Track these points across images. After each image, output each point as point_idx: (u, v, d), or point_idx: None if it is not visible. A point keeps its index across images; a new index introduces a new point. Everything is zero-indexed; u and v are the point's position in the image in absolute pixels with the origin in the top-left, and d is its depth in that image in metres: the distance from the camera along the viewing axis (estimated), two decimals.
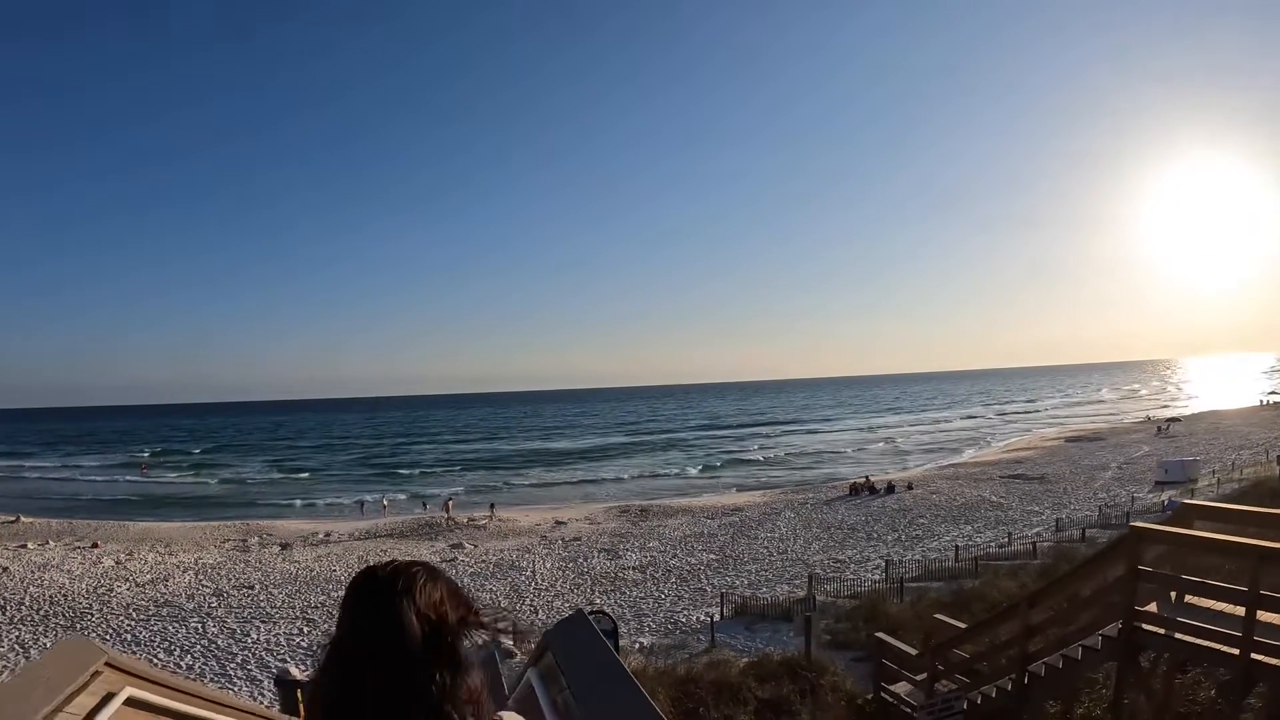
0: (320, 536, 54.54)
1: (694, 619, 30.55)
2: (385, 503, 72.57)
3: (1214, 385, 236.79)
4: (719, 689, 17.62)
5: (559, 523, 57.33)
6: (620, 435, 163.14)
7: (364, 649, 1.74)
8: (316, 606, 35.00)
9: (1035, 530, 44.26)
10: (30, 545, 51.46)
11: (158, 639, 30.94)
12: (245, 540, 53.69)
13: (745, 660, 21.05)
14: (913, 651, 15.12)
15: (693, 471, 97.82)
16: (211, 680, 25.88)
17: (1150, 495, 52.20)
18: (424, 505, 71.38)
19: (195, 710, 5.27)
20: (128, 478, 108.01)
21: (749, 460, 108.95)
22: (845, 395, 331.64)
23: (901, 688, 15.07)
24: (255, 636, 30.93)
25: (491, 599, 35.28)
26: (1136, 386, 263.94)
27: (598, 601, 34.44)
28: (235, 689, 24.96)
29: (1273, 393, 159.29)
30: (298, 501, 79.96)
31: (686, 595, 35.12)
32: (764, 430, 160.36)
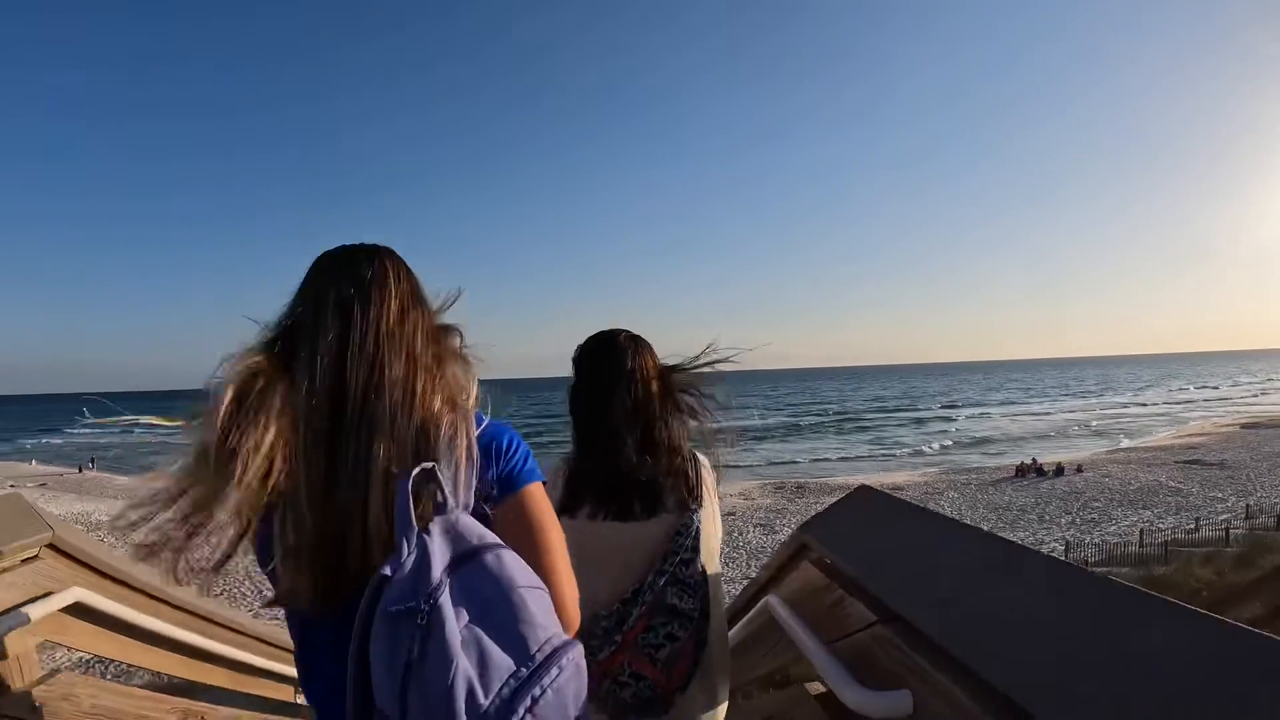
0: None
1: None
2: None
3: None
4: None
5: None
6: (779, 415, 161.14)
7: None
8: None
9: (1223, 517, 41.29)
10: None
11: None
12: None
13: None
14: None
15: (847, 450, 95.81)
16: None
17: None
18: None
19: (172, 631, 4.15)
20: None
21: (905, 440, 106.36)
22: (999, 379, 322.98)
23: None
24: None
25: None
26: None
27: (753, 575, 33.08)
28: None
29: None
30: None
31: None
32: (918, 411, 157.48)
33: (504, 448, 2.00)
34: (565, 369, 3.12)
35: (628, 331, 3.13)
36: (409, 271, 2.09)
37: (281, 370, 1.85)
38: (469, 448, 1.85)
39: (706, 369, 3.25)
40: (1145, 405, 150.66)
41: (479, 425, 1.96)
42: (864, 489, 4.21)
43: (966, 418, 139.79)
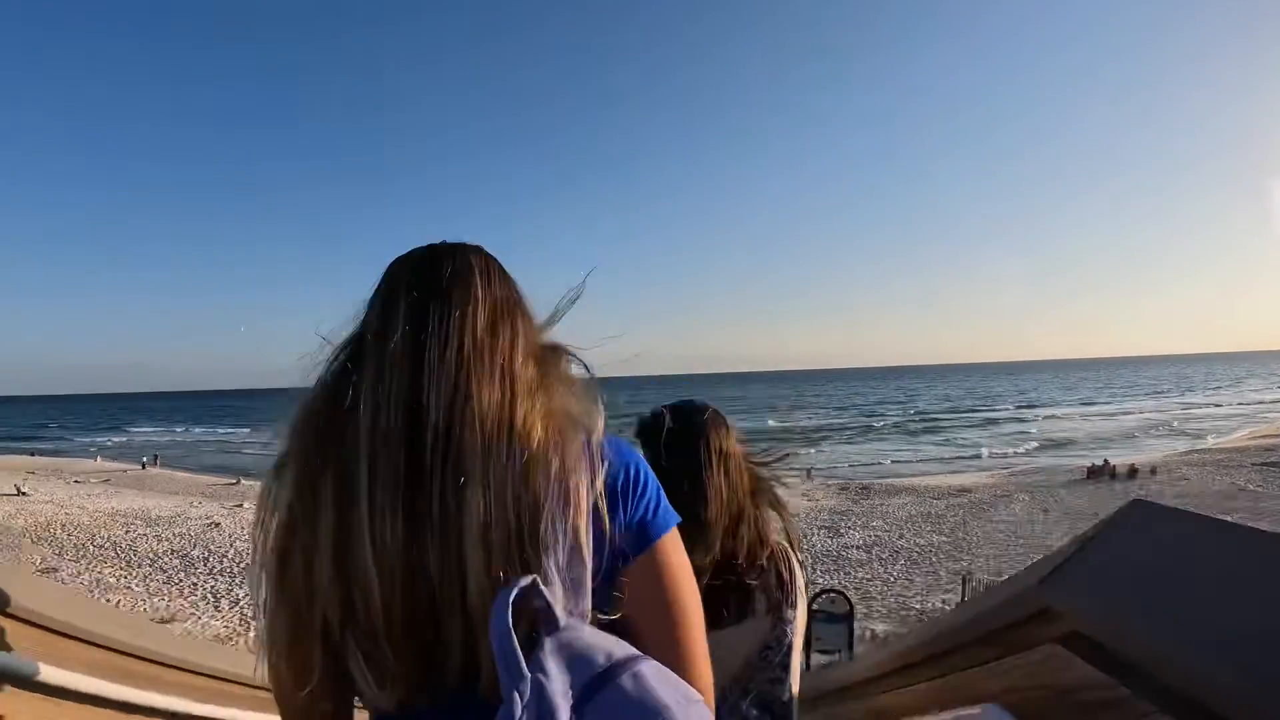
0: None
1: (929, 605, 27.93)
2: None
3: None
4: None
5: None
6: (838, 416, 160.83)
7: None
8: None
9: None
10: (246, 505, 53.11)
11: None
12: None
13: None
14: None
15: (915, 451, 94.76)
16: None
17: None
18: None
19: (153, 700, 3.45)
20: None
21: (971, 440, 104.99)
22: (1070, 378, 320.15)
23: None
24: None
25: None
26: None
27: (820, 581, 32.32)
28: None
29: None
30: None
31: (918, 579, 32.53)
32: (986, 411, 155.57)
33: (634, 485, 1.59)
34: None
35: (712, 407, 2.84)
36: (504, 273, 1.71)
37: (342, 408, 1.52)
38: (591, 504, 1.46)
39: (788, 456, 3.14)
40: (1219, 405, 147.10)
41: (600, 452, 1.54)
42: (1138, 504, 2.25)
43: (1038, 417, 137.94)
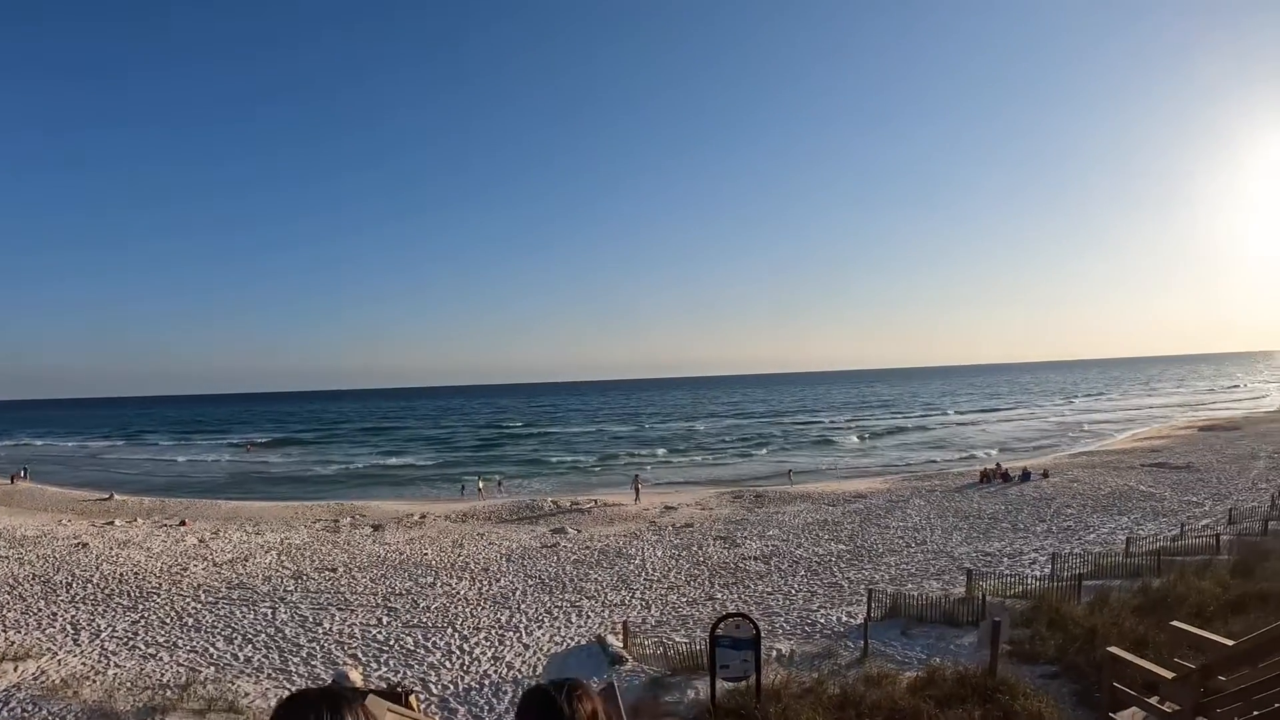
0: (415, 518, 51.91)
1: (834, 619, 26.43)
2: (481, 485, 69.64)
3: None
4: (889, 716, 13.98)
5: (668, 508, 53.75)
6: (726, 419, 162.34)
7: None
8: (401, 594, 32.05)
9: (1204, 523, 39.57)
10: (117, 522, 50.89)
11: (221, 624, 27.98)
12: (337, 520, 51.54)
13: (909, 674, 17.04)
14: (1167, 673, 10.94)
15: (807, 457, 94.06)
16: (269, 676, 22.82)
17: None
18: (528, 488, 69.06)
19: None
20: (228, 458, 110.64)
21: (861, 447, 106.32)
22: (946, 385, 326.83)
23: (1131, 716, 11.32)
24: (328, 626, 27.75)
25: (597, 590, 32.26)
26: (1245, 377, 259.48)
27: (719, 597, 30.76)
28: (292, 686, 21.77)
29: None
30: (397, 483, 79.33)
31: (820, 591, 31.03)
32: (870, 418, 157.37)
33: None
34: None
35: (572, 683, 2.70)
36: None
37: None
38: None
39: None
40: (1102, 410, 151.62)
41: None
42: None
43: (929, 422, 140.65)
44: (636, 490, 60.14)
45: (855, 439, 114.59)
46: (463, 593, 32.08)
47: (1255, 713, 9.52)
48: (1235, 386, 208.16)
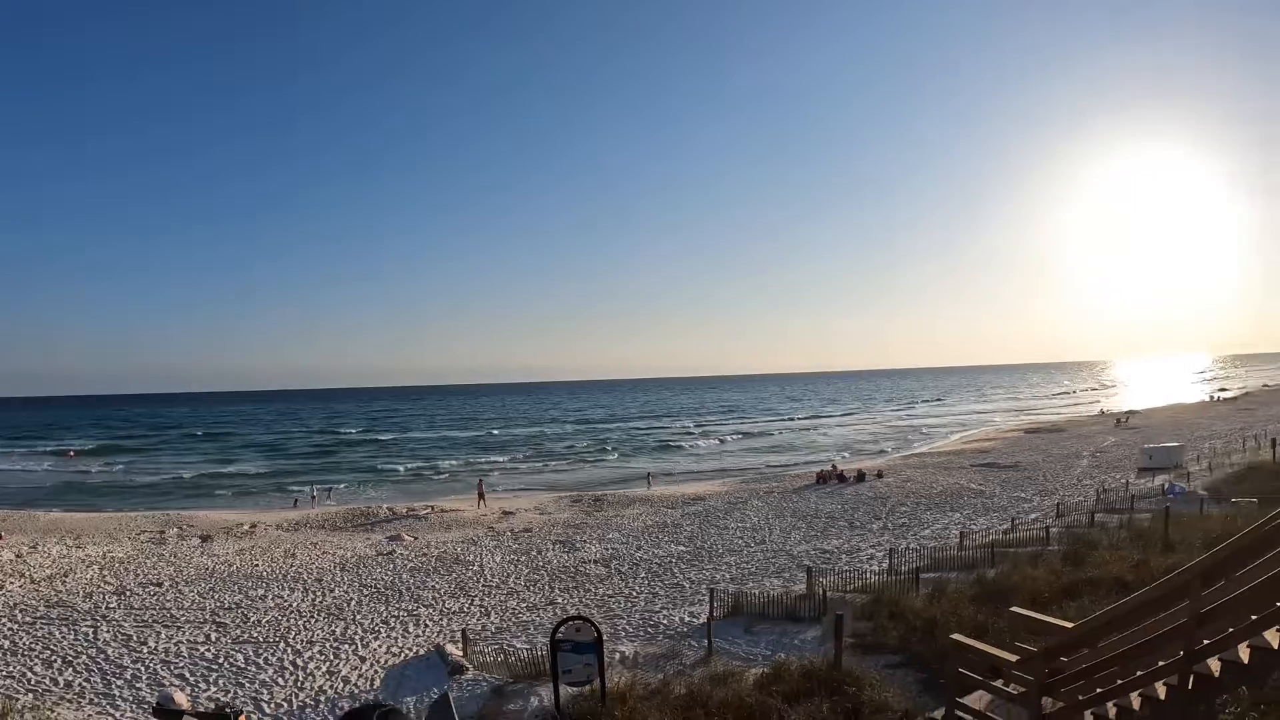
0: (245, 528, 49.66)
1: (677, 620, 26.35)
2: (314, 494, 67.86)
3: (1155, 383, 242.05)
4: (737, 713, 13.74)
5: (506, 513, 52.90)
6: (568, 424, 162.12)
7: None
8: (230, 608, 30.52)
9: (1033, 516, 41.01)
10: None
11: (39, 647, 26.10)
12: (163, 532, 48.85)
13: (755, 671, 16.92)
14: (1010, 656, 10.98)
15: (646, 461, 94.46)
16: (90, 702, 21.37)
17: (1142, 481, 49.67)
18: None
19: None
20: (48, 466, 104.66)
21: (700, 450, 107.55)
22: (789, 391, 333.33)
23: (977, 700, 11.29)
24: (154, 644, 26.18)
25: (435, 598, 31.38)
26: (1072, 384, 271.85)
27: (559, 601, 30.26)
28: (118, 714, 20.49)
29: (1222, 389, 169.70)
30: (228, 491, 75.93)
31: (662, 592, 30.89)
32: (712, 422, 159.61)
33: None
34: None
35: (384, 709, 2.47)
36: None
37: None
38: None
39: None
40: (935, 415, 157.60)
41: None
42: None
43: (769, 427, 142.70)
44: (481, 495, 59.13)
45: (696, 443, 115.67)
46: (295, 605, 30.85)
47: (1098, 690, 9.63)
48: (1062, 393, 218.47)
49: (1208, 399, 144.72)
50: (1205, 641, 8.65)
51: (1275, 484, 37.15)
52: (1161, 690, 8.98)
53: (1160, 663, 9.16)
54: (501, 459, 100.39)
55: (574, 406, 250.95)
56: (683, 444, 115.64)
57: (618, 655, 21.11)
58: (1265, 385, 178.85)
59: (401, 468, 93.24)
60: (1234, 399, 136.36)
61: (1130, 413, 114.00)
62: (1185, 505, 34.63)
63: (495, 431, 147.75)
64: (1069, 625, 11.00)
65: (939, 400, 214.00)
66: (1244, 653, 8.36)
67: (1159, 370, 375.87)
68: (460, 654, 22.34)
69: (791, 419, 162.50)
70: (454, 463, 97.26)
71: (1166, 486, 42.69)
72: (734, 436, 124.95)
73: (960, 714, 11.12)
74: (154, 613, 30.07)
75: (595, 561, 37.04)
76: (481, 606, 30.11)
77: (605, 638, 16.95)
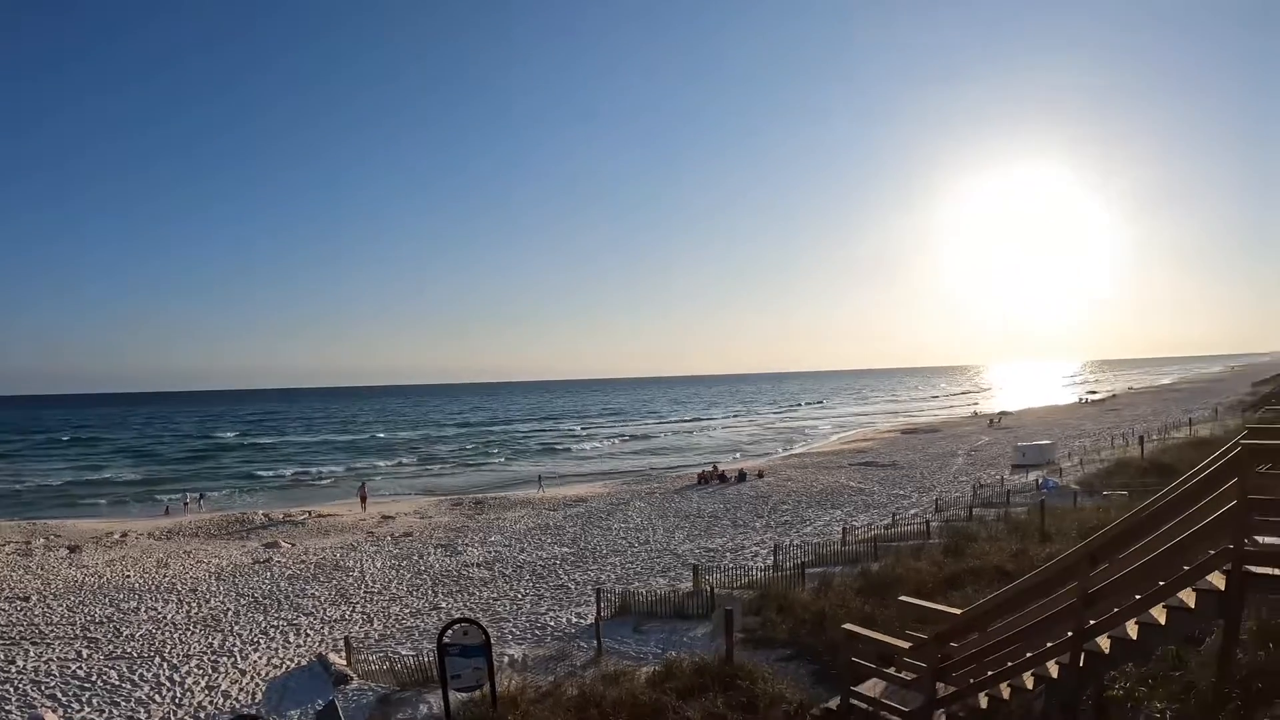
0: (116, 537, 47.67)
1: (564, 621, 26.15)
2: (186, 501, 65.46)
3: (1027, 387, 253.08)
4: (631, 712, 13.61)
5: (386, 517, 52.00)
6: (450, 428, 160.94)
7: None
8: (102, 622, 29.20)
9: (913, 512, 41.91)
10: None
11: None
12: (29, 542, 46.52)
13: (647, 669, 16.76)
14: (903, 644, 11.06)
15: (525, 463, 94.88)
16: None
17: (1016, 477, 51.18)
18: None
19: None
20: None
21: (583, 453, 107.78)
22: (671, 393, 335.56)
23: (872, 687, 11.33)
24: (21, 663, 24.84)
25: (315, 606, 30.59)
26: (948, 387, 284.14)
27: (444, 605, 29.74)
28: None
29: (1091, 392, 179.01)
30: (97, 499, 72.75)
31: (547, 594, 30.61)
32: (594, 425, 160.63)
33: None
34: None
35: None
36: None
37: None
38: None
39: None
40: (815, 416, 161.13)
41: None
42: None
43: (652, 429, 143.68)
44: (363, 500, 58.11)
45: (579, 446, 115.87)
46: (170, 617, 29.70)
47: (989, 673, 9.81)
48: (938, 396, 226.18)
49: (1077, 401, 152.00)
50: (1092, 622, 8.89)
51: (1144, 478, 38.32)
52: (1054, 669, 9.30)
53: (1049, 643, 9.40)
54: (381, 463, 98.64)
55: (455, 410, 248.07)
56: (565, 447, 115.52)
57: (506, 659, 20.76)
58: (1131, 388, 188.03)
59: (279, 472, 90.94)
60: (1102, 401, 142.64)
61: (1003, 414, 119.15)
62: (1059, 499, 35.80)
63: (379, 435, 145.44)
64: (958, 612, 11.19)
65: (820, 403, 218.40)
66: (1132, 629, 8.80)
67: (1031, 374, 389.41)
68: (344, 663, 21.79)
69: (674, 421, 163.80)
70: (333, 467, 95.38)
71: (1040, 481, 44.21)
72: (617, 439, 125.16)
73: (855, 702, 11.18)
74: (21, 629, 28.59)
75: (478, 565, 36.62)
76: (364, 613, 29.42)
77: (493, 641, 16.62)
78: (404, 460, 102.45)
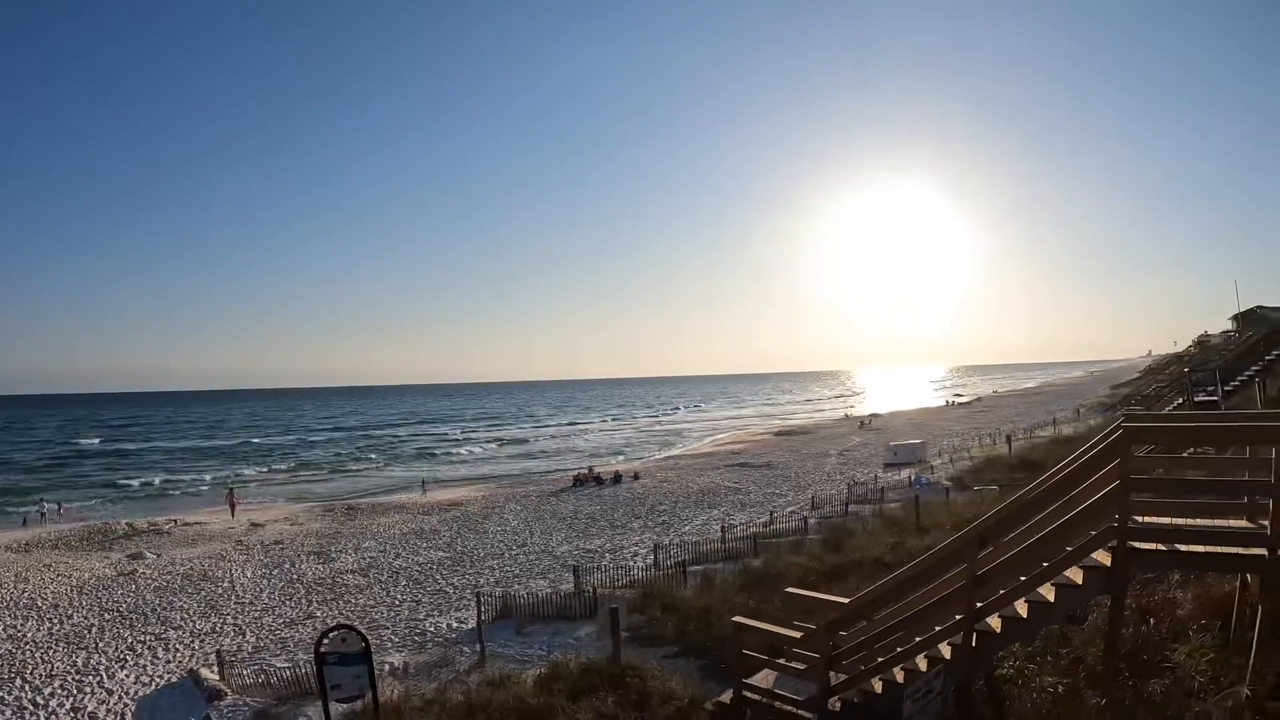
0: None
1: (444, 626, 25.78)
2: (44, 511, 62.64)
3: (896, 390, 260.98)
4: (520, 716, 13.37)
5: (256, 525, 50.30)
6: (322, 433, 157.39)
7: None
8: None
9: (790, 510, 42.44)
10: None
11: None
12: None
13: (533, 672, 16.46)
14: (794, 633, 11.05)
15: (399, 468, 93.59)
16: None
17: (889, 475, 52.68)
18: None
19: None
20: None
21: (456, 456, 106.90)
22: (547, 397, 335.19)
23: (764, 679, 11.20)
24: None
25: (184, 619, 29.49)
26: (821, 391, 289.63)
27: (318, 614, 29.01)
28: None
29: (957, 395, 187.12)
30: None
31: (426, 599, 30.19)
32: (466, 428, 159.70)
33: None
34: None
35: None
36: None
37: None
38: None
39: None
40: (690, 420, 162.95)
41: None
42: None
43: (528, 433, 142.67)
44: (232, 507, 56.38)
45: (455, 450, 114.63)
46: (30, 635, 28.33)
47: (879, 659, 9.87)
48: (810, 400, 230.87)
49: (945, 404, 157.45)
50: (982, 603, 9.03)
51: (1012, 474, 39.79)
52: (947, 650, 9.40)
53: (937, 627, 9.52)
54: (251, 469, 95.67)
55: (326, 414, 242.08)
56: (441, 451, 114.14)
57: (387, 667, 20.25)
58: (996, 391, 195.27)
59: (143, 480, 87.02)
60: (969, 403, 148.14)
61: (874, 416, 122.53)
62: (932, 494, 37.01)
63: (249, 440, 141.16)
64: (846, 600, 11.24)
65: (697, 406, 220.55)
66: (1022, 608, 9.05)
67: (900, 379, 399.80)
68: (217, 678, 21.02)
69: (551, 425, 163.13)
70: (200, 474, 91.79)
71: (913, 479, 45.63)
72: (494, 443, 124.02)
73: (748, 694, 11.10)
74: None
75: (353, 571, 35.94)
76: (236, 625, 28.48)
77: (373, 650, 16.12)
78: (275, 466, 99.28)
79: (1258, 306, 76.07)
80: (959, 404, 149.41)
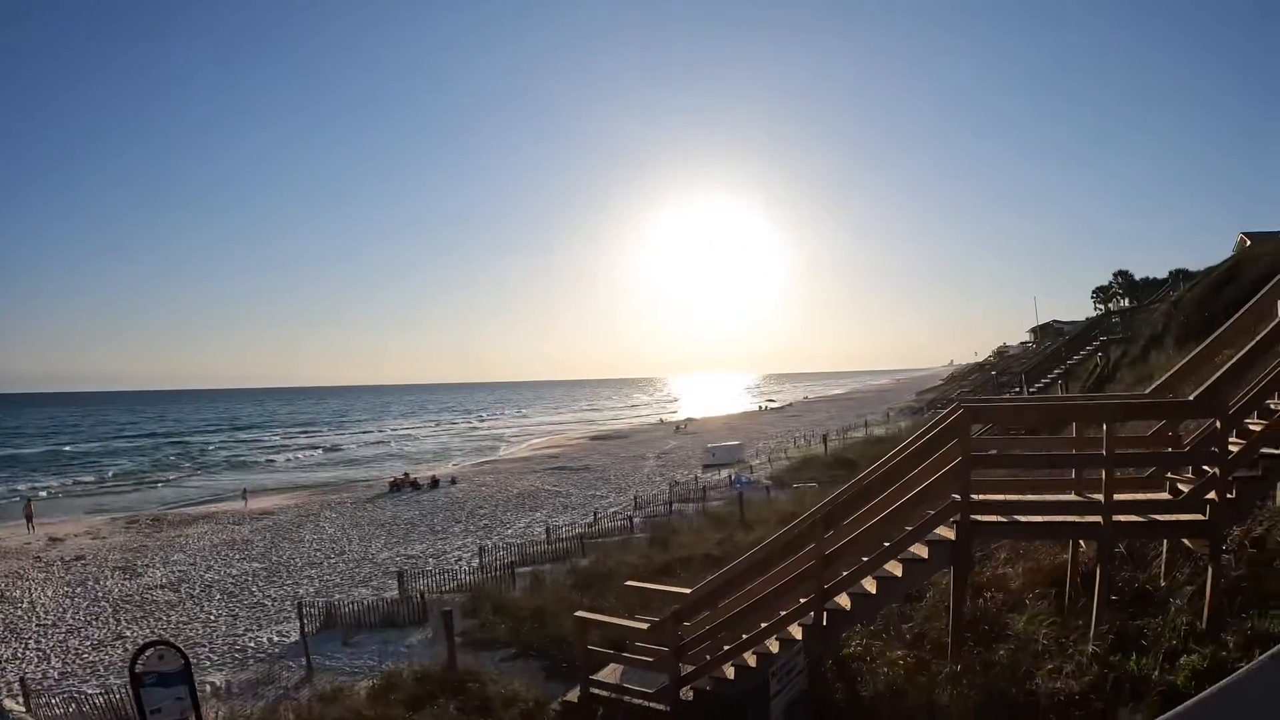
0: None
1: (265, 640, 24.64)
2: None
3: (709, 396, 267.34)
4: None
5: (55, 539, 47.08)
6: (124, 440, 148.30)
7: None
8: None
9: (613, 510, 42.78)
10: None
11: None
12: None
13: (366, 683, 15.95)
14: (640, 625, 10.97)
15: (208, 477, 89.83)
16: None
17: (709, 475, 53.66)
18: None
19: None
20: None
21: (263, 463, 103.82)
22: (363, 403, 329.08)
23: (611, 673, 11.22)
24: None
25: None
26: (638, 397, 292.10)
27: (129, 634, 27.38)
28: None
29: (770, 400, 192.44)
30: None
31: (243, 613, 28.75)
32: (274, 434, 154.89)
33: None
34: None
35: None
36: None
37: None
38: None
39: None
40: (505, 425, 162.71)
41: None
42: None
43: (338, 440, 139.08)
44: (29, 521, 52.91)
45: (267, 458, 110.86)
46: None
47: (725, 648, 10.11)
48: (628, 405, 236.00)
49: (757, 409, 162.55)
50: (830, 584, 9.22)
51: (830, 471, 41.20)
52: (798, 631, 9.62)
53: (788, 609, 9.63)
54: (49, 479, 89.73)
55: (129, 419, 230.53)
56: (253, 458, 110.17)
57: (208, 687, 19.23)
58: (806, 397, 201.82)
59: None
60: (781, 409, 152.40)
61: (688, 420, 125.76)
62: (754, 493, 38.00)
63: (54, 448, 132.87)
64: (687, 591, 11.28)
65: (517, 412, 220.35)
66: (871, 585, 9.49)
67: (712, 385, 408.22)
68: (22, 709, 19.51)
69: (367, 431, 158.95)
70: None
71: (734, 478, 46.79)
72: (307, 450, 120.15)
73: (596, 690, 10.99)
74: None
75: (162, 586, 34.06)
76: (39, 650, 26.48)
77: (191, 667, 15.29)
78: (78, 477, 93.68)
79: (1054, 320, 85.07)
80: (772, 409, 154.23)
